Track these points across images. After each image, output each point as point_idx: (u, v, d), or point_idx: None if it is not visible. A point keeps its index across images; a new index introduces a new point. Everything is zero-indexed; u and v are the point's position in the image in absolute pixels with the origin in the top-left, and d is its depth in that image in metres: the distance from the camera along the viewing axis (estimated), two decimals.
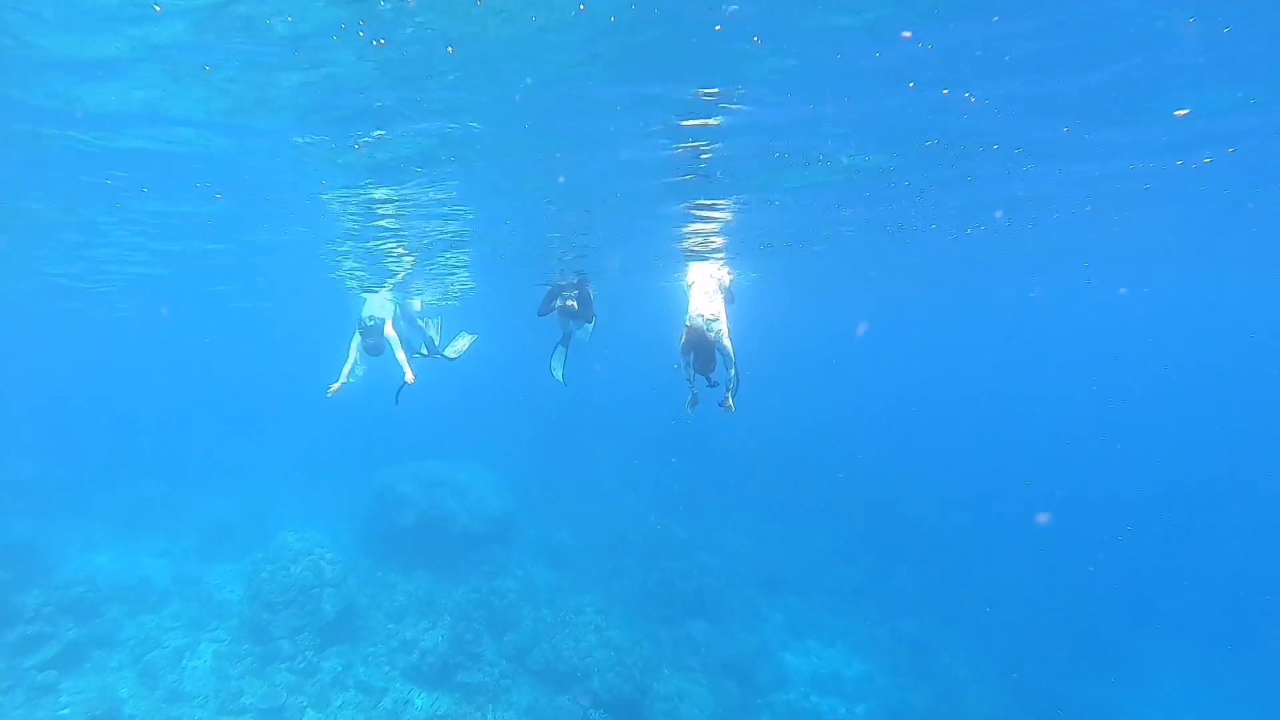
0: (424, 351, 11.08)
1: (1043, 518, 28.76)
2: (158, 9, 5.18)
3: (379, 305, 10.28)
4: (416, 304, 13.55)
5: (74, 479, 24.04)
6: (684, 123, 7.78)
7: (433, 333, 12.07)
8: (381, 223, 12.03)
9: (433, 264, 15.74)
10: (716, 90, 6.91)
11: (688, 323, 8.27)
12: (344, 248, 14.34)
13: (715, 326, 8.15)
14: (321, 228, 12.79)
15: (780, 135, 8.34)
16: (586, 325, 10.79)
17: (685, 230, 13.46)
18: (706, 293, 8.98)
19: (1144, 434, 43.30)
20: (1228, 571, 30.15)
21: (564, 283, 10.59)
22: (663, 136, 8.18)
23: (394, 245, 13.75)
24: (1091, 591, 24.98)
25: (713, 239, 14.33)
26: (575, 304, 10.13)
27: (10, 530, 17.38)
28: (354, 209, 11.26)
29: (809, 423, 39.81)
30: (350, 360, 9.79)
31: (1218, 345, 47.47)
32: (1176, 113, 8.26)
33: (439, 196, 10.62)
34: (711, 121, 7.71)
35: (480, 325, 13.26)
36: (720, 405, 8.08)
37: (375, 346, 9.65)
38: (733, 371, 8.16)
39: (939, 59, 6.51)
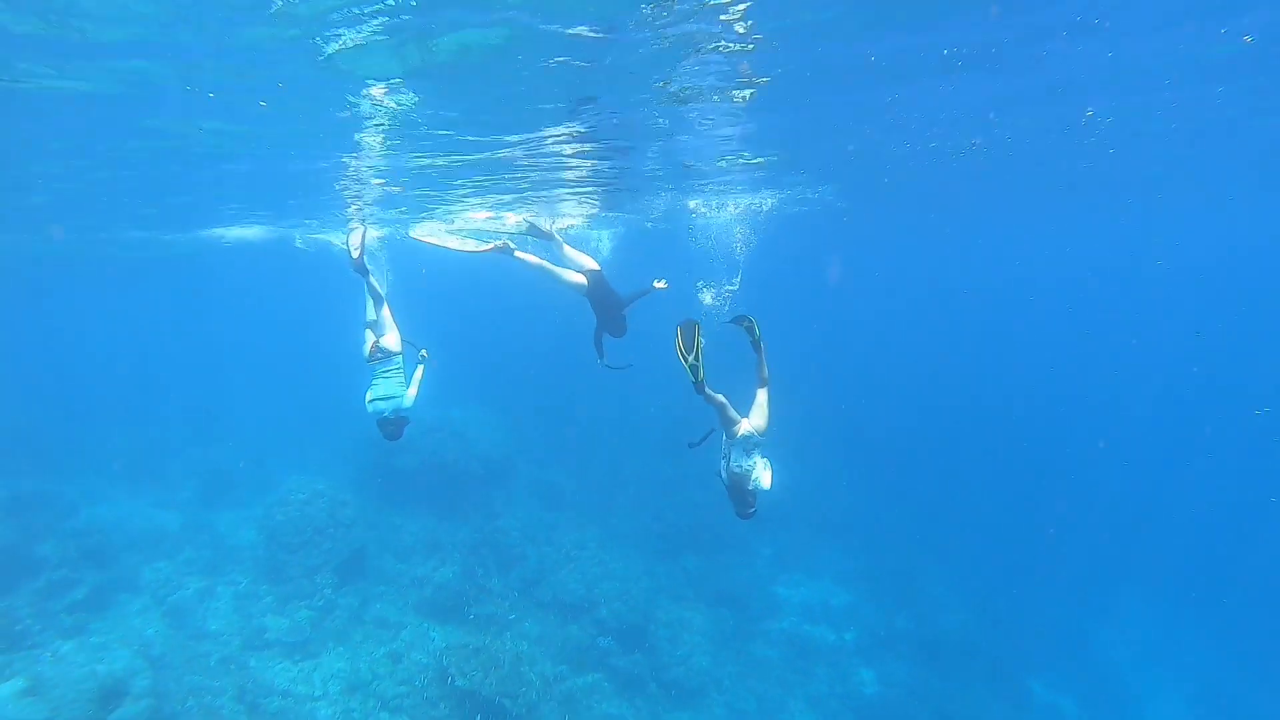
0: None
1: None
2: None
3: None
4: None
5: (70, 432, 24.14)
6: None
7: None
8: None
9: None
10: None
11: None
12: None
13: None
14: None
15: None
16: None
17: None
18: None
19: (1120, 376, 44.81)
20: (1192, 511, 32.04)
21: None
22: None
23: None
24: (1066, 527, 26.26)
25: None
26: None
27: (16, 483, 17.59)
28: None
29: (793, 360, 40.68)
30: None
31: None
32: None
33: None
34: None
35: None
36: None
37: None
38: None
39: None
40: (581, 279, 9.05)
